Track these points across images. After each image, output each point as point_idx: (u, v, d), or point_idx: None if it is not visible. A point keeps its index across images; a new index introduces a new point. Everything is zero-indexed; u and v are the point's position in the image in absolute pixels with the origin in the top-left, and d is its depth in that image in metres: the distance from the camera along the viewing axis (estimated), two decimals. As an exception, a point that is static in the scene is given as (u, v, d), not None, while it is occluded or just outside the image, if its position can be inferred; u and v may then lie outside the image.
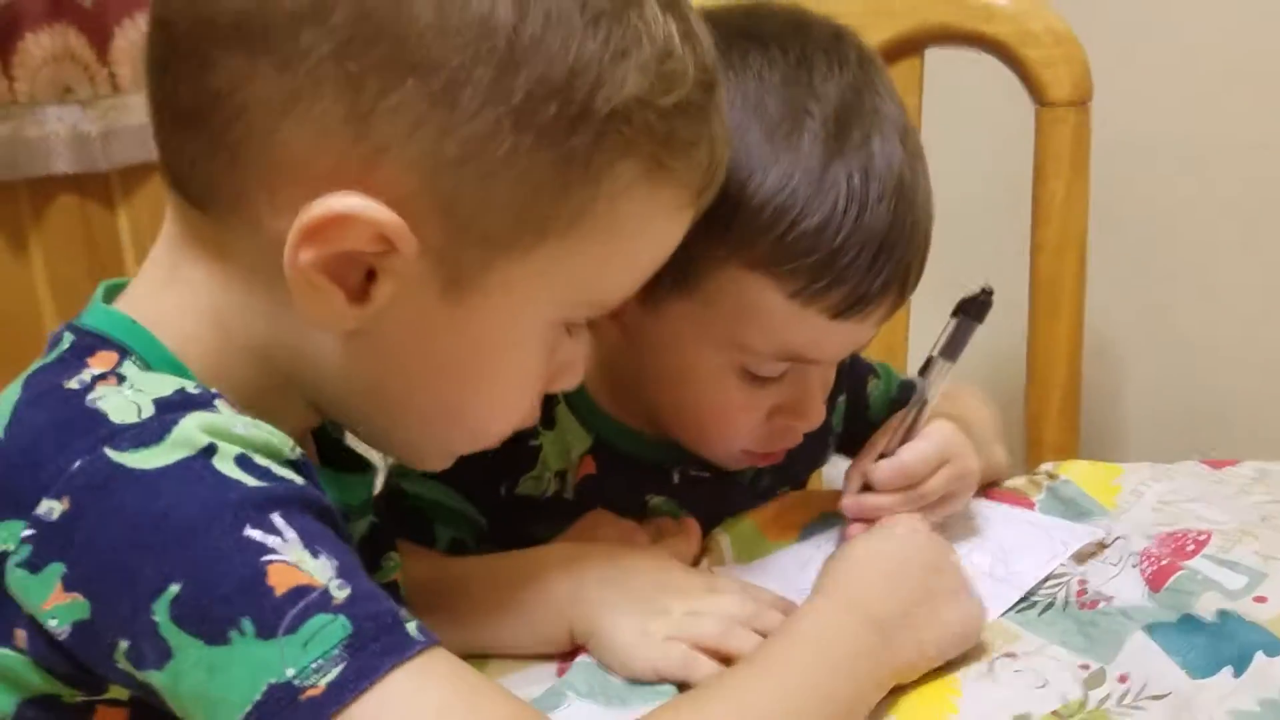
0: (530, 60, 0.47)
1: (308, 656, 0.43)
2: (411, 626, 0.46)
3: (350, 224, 0.48)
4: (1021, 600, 0.66)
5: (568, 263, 0.52)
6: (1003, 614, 0.65)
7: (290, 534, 0.45)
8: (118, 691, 0.48)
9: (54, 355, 0.52)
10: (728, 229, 0.62)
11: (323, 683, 0.43)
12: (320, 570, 0.45)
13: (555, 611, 0.63)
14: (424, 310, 0.51)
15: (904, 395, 0.85)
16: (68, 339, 0.52)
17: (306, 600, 0.44)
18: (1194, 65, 1.18)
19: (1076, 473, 0.80)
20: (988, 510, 0.76)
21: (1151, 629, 0.62)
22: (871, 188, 0.63)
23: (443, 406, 0.56)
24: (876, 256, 0.63)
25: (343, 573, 0.46)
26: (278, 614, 0.43)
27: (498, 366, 0.55)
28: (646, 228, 0.55)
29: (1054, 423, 0.99)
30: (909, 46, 0.98)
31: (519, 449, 0.74)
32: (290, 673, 0.43)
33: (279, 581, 0.44)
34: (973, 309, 0.69)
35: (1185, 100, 1.18)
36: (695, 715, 0.52)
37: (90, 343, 0.51)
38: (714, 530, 0.75)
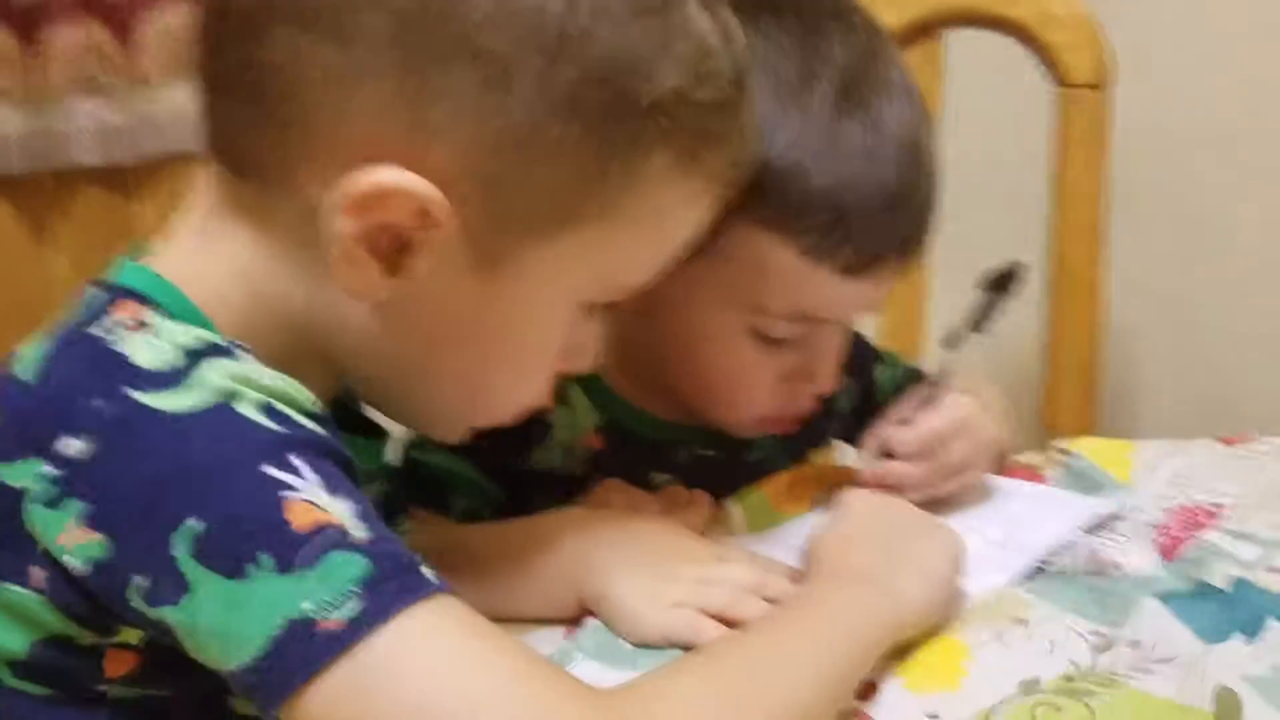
0: (579, 51, 0.49)
1: (325, 591, 0.44)
2: (428, 571, 0.46)
3: (394, 197, 0.49)
4: (1033, 569, 0.66)
5: (598, 247, 0.54)
6: (1013, 582, 0.65)
7: (310, 475, 0.46)
8: (128, 635, 0.49)
9: (80, 310, 0.53)
10: (743, 189, 0.62)
11: (339, 617, 0.43)
12: (339, 510, 0.46)
13: (564, 575, 0.64)
14: (456, 285, 0.53)
15: (910, 381, 0.86)
16: (93, 293, 0.53)
17: (325, 536, 0.44)
18: (1216, 50, 1.18)
19: (1089, 448, 0.80)
20: (1002, 484, 0.75)
21: (1164, 596, 0.62)
22: (880, 147, 0.64)
23: (464, 379, 0.57)
24: (886, 214, 0.64)
25: (361, 515, 0.46)
26: (295, 548, 0.44)
27: (521, 343, 0.56)
28: (675, 215, 0.56)
29: (1071, 406, 0.99)
30: (930, 28, 0.98)
31: (531, 424, 0.74)
32: (307, 606, 0.43)
33: (298, 517, 0.45)
34: (1000, 282, 0.69)
35: (1207, 85, 1.18)
36: (703, 670, 0.53)
37: (115, 295, 0.52)
38: (726, 501, 0.75)
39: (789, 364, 0.71)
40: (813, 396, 0.73)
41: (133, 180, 1.80)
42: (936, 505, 0.70)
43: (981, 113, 1.19)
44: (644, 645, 0.60)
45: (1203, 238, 1.22)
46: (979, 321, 0.70)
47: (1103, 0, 0.96)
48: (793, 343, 0.69)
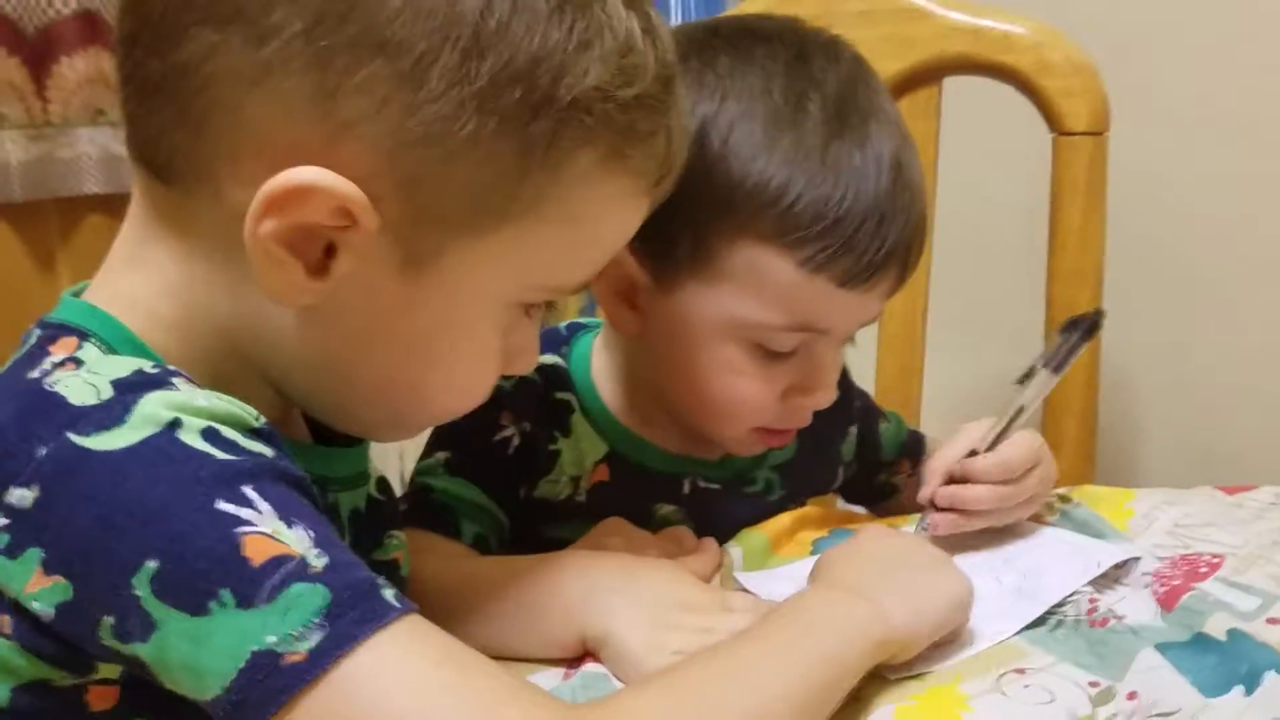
0: (496, 46, 0.49)
1: (288, 624, 0.44)
2: (389, 594, 0.47)
3: (312, 196, 0.49)
4: (1034, 618, 0.66)
5: (525, 246, 0.53)
6: (1020, 630, 0.65)
7: (264, 506, 0.46)
8: (108, 670, 0.49)
9: (22, 351, 0.53)
10: (738, 206, 0.66)
11: (303, 649, 0.44)
12: (297, 540, 0.46)
13: (567, 616, 0.64)
14: (381, 286, 0.52)
15: (912, 440, 0.88)
16: (34, 334, 0.53)
17: (284, 569, 0.45)
18: (1212, 96, 1.19)
19: (1089, 496, 0.80)
20: (1024, 528, 0.76)
21: (1162, 647, 0.62)
22: (871, 163, 0.67)
23: (397, 382, 0.57)
24: (879, 226, 0.67)
25: (319, 542, 0.46)
26: (256, 584, 0.44)
27: (453, 345, 0.56)
28: (604, 215, 0.56)
29: (1069, 453, 0.99)
30: (928, 75, 0.99)
31: (538, 453, 0.76)
32: (272, 640, 0.44)
33: (256, 552, 0.45)
34: (1084, 326, 0.72)
35: (1203, 131, 1.19)
36: (670, 680, 0.52)
37: (53, 333, 0.52)
38: (727, 543, 0.75)
39: (789, 379, 0.73)
40: (810, 410, 0.75)
41: (137, 210, 1.81)
42: (962, 544, 0.72)
43: (979, 159, 1.21)
44: None
45: (1200, 284, 1.23)
46: (1060, 363, 0.72)
47: (1101, 48, 0.97)
48: (792, 356, 0.72)
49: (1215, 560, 0.70)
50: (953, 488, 0.72)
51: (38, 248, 1.76)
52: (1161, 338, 1.26)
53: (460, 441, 0.74)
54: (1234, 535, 0.73)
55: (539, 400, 0.76)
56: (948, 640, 0.64)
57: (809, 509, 0.83)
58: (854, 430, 0.88)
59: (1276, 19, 1.13)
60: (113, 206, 1.76)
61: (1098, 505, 0.79)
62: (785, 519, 0.79)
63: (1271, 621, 0.64)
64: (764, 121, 0.67)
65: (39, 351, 0.51)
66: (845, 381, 0.89)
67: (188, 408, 0.48)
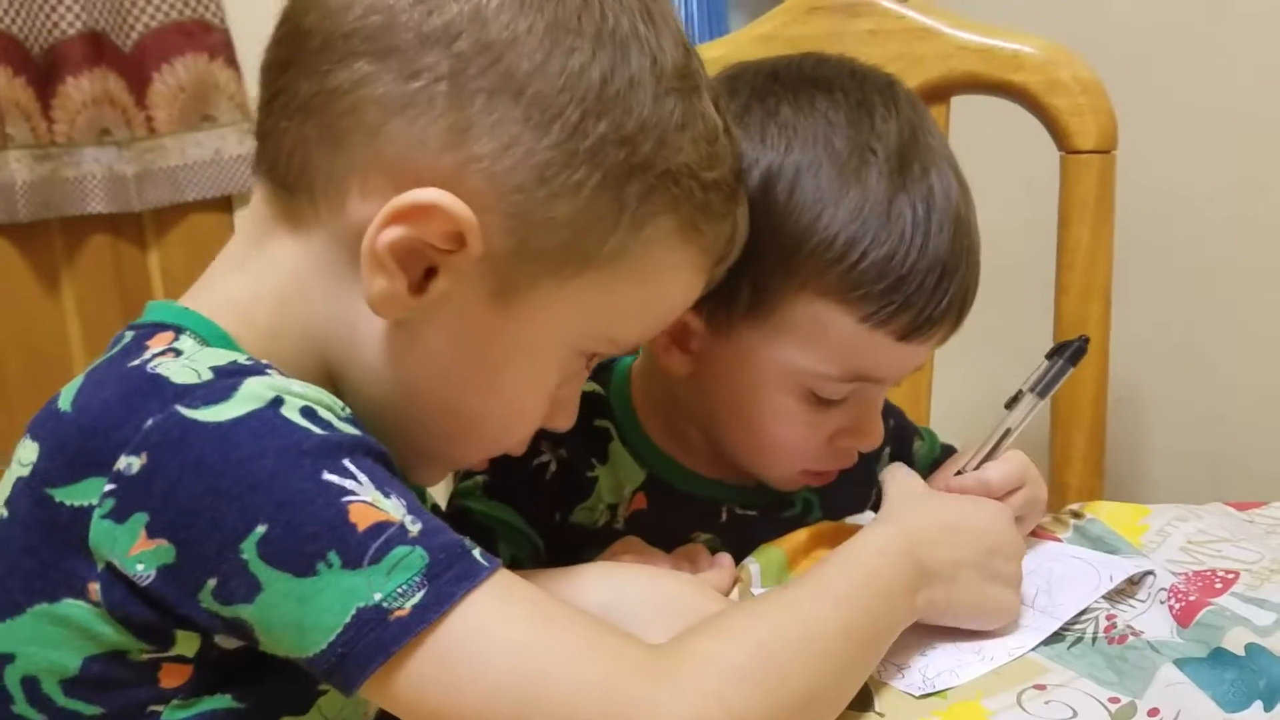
0: (612, 111, 0.55)
1: (392, 583, 0.47)
2: (478, 553, 0.51)
3: (433, 215, 0.54)
4: (1052, 633, 0.67)
5: (601, 294, 0.58)
6: (1036, 646, 0.65)
7: (363, 477, 0.50)
8: (184, 645, 0.51)
9: (116, 349, 0.56)
10: (802, 260, 0.67)
11: (408, 605, 0.47)
12: (394, 508, 0.50)
13: None
14: (469, 312, 0.57)
15: (946, 458, 0.88)
16: (126, 335, 0.57)
17: (387, 534, 0.48)
18: (1220, 112, 1.19)
19: (1103, 512, 0.80)
20: (1037, 544, 0.76)
21: (1181, 663, 0.62)
22: (933, 218, 0.67)
23: (459, 410, 0.61)
24: (940, 281, 0.67)
25: (412, 509, 0.50)
26: (361, 547, 0.48)
27: (517, 376, 0.60)
28: (671, 279, 0.61)
29: (1079, 467, 0.99)
30: (936, 94, 0.99)
31: (576, 479, 0.77)
32: (378, 597, 0.47)
33: (360, 519, 0.48)
34: (1068, 353, 0.73)
35: (1212, 147, 1.20)
36: (751, 617, 0.56)
37: (149, 330, 0.56)
38: (745, 559, 0.75)
39: (839, 423, 0.73)
40: (856, 452, 0.76)
41: (141, 229, 1.81)
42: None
43: (988, 177, 1.21)
44: None
45: (1209, 299, 1.23)
46: (1045, 387, 0.73)
47: (1110, 66, 0.98)
48: (842, 403, 0.72)
49: (1230, 575, 0.70)
50: None
51: (42, 267, 1.76)
52: (1170, 352, 1.27)
53: (499, 465, 0.74)
54: (1248, 550, 0.74)
55: (577, 427, 0.76)
56: (968, 655, 0.64)
57: (824, 525, 0.83)
58: (888, 450, 0.88)
59: None
60: (117, 226, 1.77)
61: (1112, 521, 0.79)
62: (802, 535, 0.79)
63: (1289, 636, 0.64)
64: (829, 175, 0.67)
65: (135, 346, 0.55)
66: (887, 404, 0.90)
67: (287, 389, 0.51)
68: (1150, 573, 0.71)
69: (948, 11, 0.99)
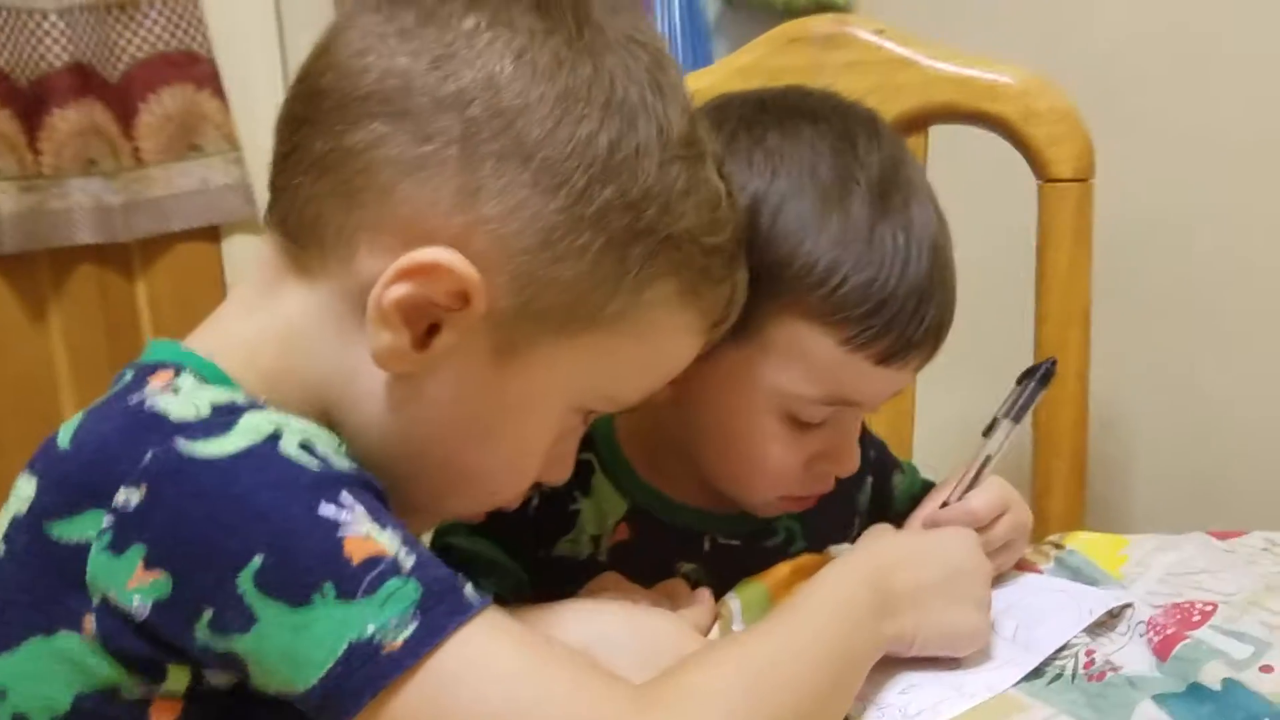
0: (617, 177, 0.56)
1: (385, 615, 0.48)
2: (469, 589, 0.51)
3: (440, 274, 0.55)
4: (1032, 669, 0.67)
5: (601, 354, 0.60)
6: (1017, 682, 0.65)
7: (359, 509, 0.51)
8: (175, 681, 0.52)
9: (119, 386, 0.57)
10: (786, 283, 0.68)
11: (400, 639, 0.48)
12: (389, 541, 0.50)
13: None
14: (471, 368, 0.58)
15: (925, 492, 0.89)
16: (128, 373, 0.58)
17: (381, 567, 0.49)
18: (1197, 139, 1.20)
19: (1083, 543, 0.80)
20: (1017, 576, 0.77)
21: (1160, 699, 0.62)
22: (913, 246, 0.69)
23: (458, 464, 0.61)
24: (919, 306, 0.69)
25: (406, 542, 0.51)
26: (356, 580, 0.49)
27: (515, 432, 0.61)
28: (670, 340, 0.63)
29: (1060, 493, 0.99)
30: (915, 123, 1.00)
31: (559, 512, 0.77)
32: (371, 629, 0.48)
33: (355, 552, 0.49)
34: (1037, 376, 0.75)
35: (1190, 173, 1.20)
36: (736, 652, 0.57)
37: (150, 368, 0.57)
38: (726, 595, 0.75)
39: (817, 447, 0.74)
40: (833, 477, 0.77)
41: (128, 259, 1.81)
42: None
43: (967, 205, 1.22)
44: None
45: (1190, 324, 1.24)
46: (1019, 412, 0.74)
47: (1086, 95, 0.98)
48: (820, 427, 0.73)
49: (1208, 608, 0.70)
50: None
51: (30, 298, 1.76)
52: (1152, 378, 1.27)
53: None
54: (1227, 582, 0.74)
55: None
56: (949, 691, 0.64)
57: (805, 558, 0.83)
58: (869, 481, 0.90)
59: (1258, 61, 1.14)
60: (104, 257, 1.77)
61: (1091, 552, 0.79)
62: (784, 569, 0.79)
63: (1265, 670, 0.64)
64: (813, 201, 0.68)
65: (136, 384, 0.56)
66: (861, 431, 0.90)
67: (285, 424, 0.53)
68: (1129, 605, 0.71)
69: (926, 42, 1.00)
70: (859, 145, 0.71)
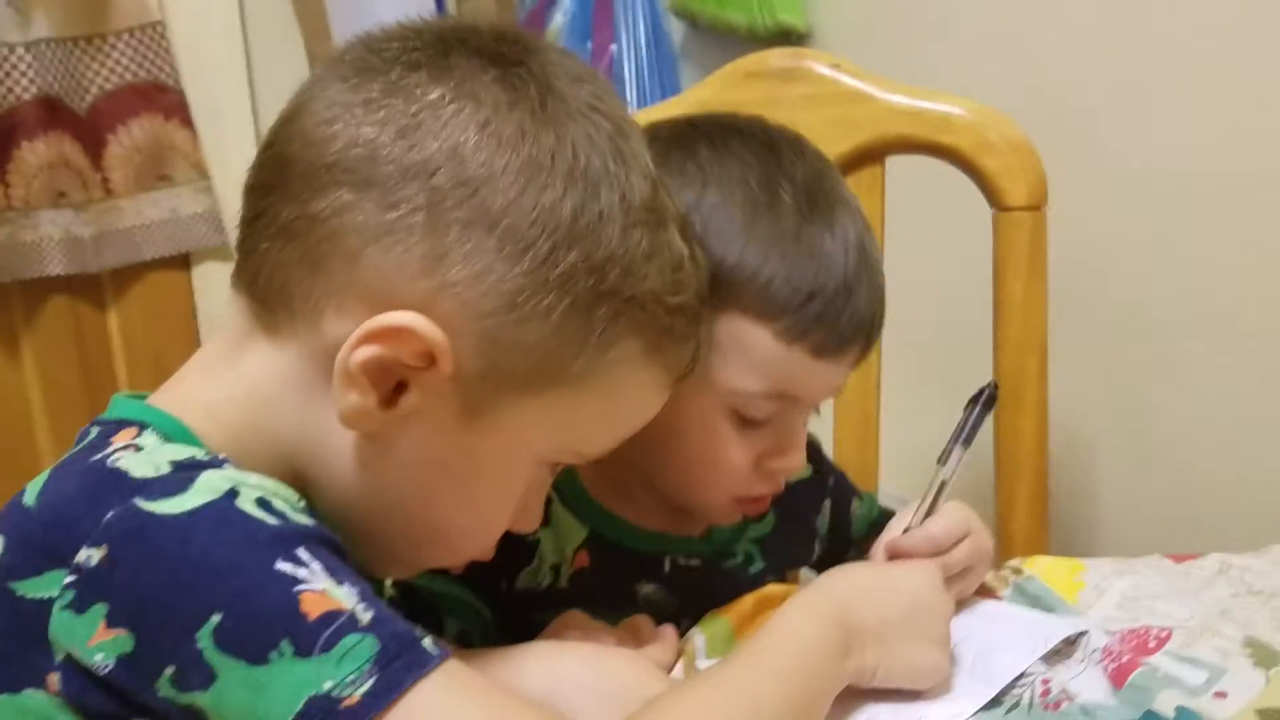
0: (582, 242, 0.58)
1: (342, 671, 0.49)
2: (427, 642, 0.52)
3: (407, 337, 0.56)
4: (990, 700, 0.68)
5: (567, 411, 0.61)
6: (975, 712, 0.66)
7: (316, 565, 0.51)
8: None
9: (83, 444, 0.58)
10: (721, 283, 0.70)
11: (357, 694, 0.48)
12: (346, 596, 0.51)
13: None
14: (439, 427, 0.59)
15: (884, 519, 0.91)
16: (93, 430, 0.59)
17: (338, 623, 0.50)
18: (1149, 166, 1.22)
19: (1042, 569, 0.81)
20: (977, 604, 0.78)
21: (1114, 728, 0.64)
22: (839, 245, 0.73)
23: (429, 519, 0.62)
24: (848, 300, 0.72)
25: (364, 597, 0.51)
26: (313, 636, 0.49)
27: (486, 490, 0.62)
28: (634, 397, 0.64)
29: (1023, 517, 1.01)
30: (871, 155, 1.01)
31: (519, 544, 0.77)
32: (328, 685, 0.48)
33: (312, 608, 0.50)
34: (981, 400, 0.78)
35: (1146, 198, 1.22)
36: (696, 702, 0.58)
37: (113, 427, 0.58)
38: (690, 630, 0.76)
39: (763, 445, 0.76)
40: (782, 475, 0.78)
41: (100, 290, 1.81)
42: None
43: (924, 234, 1.23)
44: None
45: (1147, 351, 1.25)
46: (968, 436, 0.77)
47: (1038, 125, 1.00)
48: (766, 424, 0.75)
49: (1164, 634, 0.71)
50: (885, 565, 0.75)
51: (2, 330, 1.76)
52: (1112, 401, 1.28)
53: None
54: (1182, 607, 0.75)
55: None
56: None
57: (770, 589, 0.83)
58: (828, 504, 0.91)
59: (1214, 87, 1.16)
60: (75, 288, 1.77)
61: (1049, 577, 0.80)
62: (747, 602, 0.80)
63: (1219, 696, 0.66)
64: (742, 207, 0.72)
65: (100, 442, 0.57)
66: (820, 457, 0.93)
67: (244, 481, 0.53)
68: (1085, 633, 0.73)
69: (880, 76, 1.01)
70: (784, 157, 0.74)
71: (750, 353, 0.72)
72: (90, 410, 2.01)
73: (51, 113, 1.69)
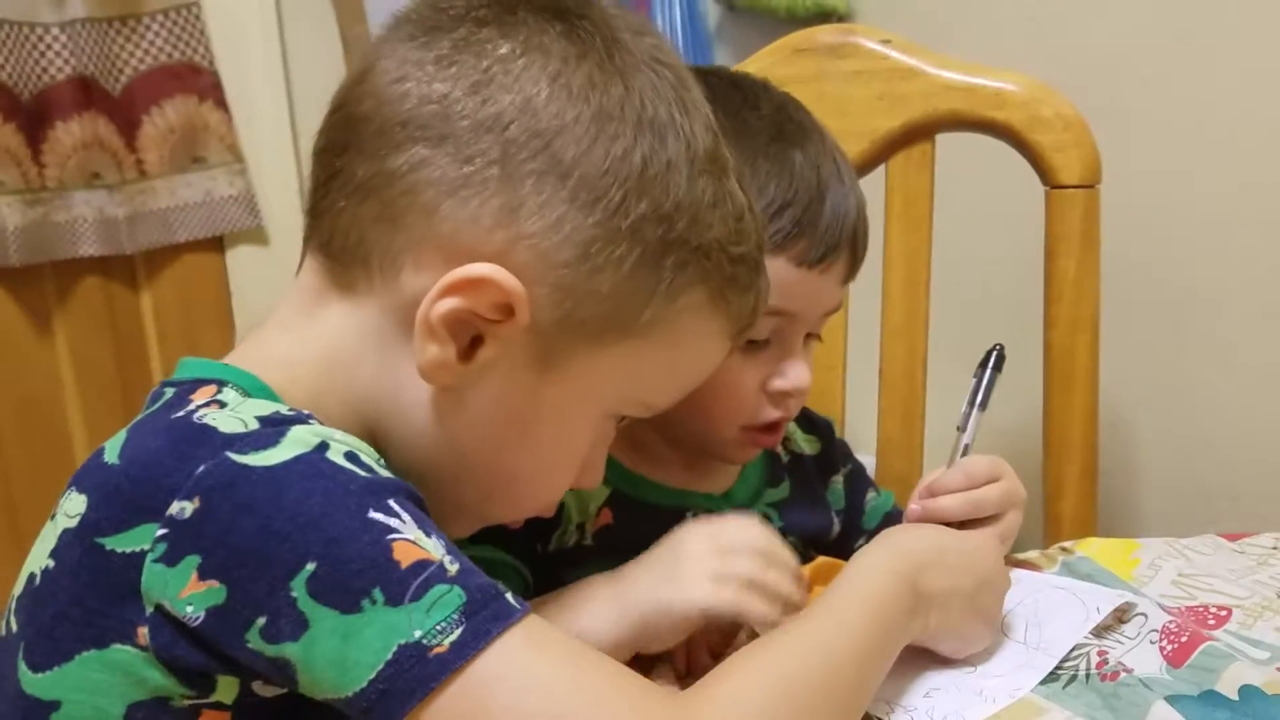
0: (650, 191, 0.59)
1: (431, 620, 0.49)
2: (510, 596, 0.52)
3: (486, 288, 0.57)
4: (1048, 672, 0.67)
5: (635, 360, 0.62)
6: (1038, 684, 0.65)
7: (406, 517, 0.52)
8: (224, 692, 0.53)
9: (159, 404, 0.58)
10: None
11: (446, 642, 0.49)
12: (435, 548, 0.52)
13: (616, 594, 0.66)
14: (513, 378, 0.60)
15: (898, 512, 0.92)
16: (166, 391, 0.59)
17: (427, 572, 0.50)
18: (1201, 143, 1.20)
19: (1093, 549, 0.81)
20: (1018, 575, 0.76)
21: (1174, 700, 0.63)
22: (810, 161, 0.76)
23: (500, 469, 0.63)
24: (831, 213, 0.75)
25: (450, 550, 0.52)
26: (404, 584, 0.50)
27: (555, 437, 0.63)
28: (699, 347, 0.65)
29: (1072, 496, 1.00)
30: (921, 132, 1.00)
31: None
32: (418, 634, 0.49)
33: (403, 556, 0.50)
34: (989, 364, 0.79)
35: (1195, 177, 1.21)
36: (772, 654, 0.58)
37: (190, 385, 0.58)
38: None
39: (766, 367, 0.78)
40: (789, 399, 0.80)
41: (133, 271, 1.82)
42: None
43: (975, 213, 1.23)
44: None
45: (1196, 329, 1.24)
46: (983, 400, 0.78)
47: (1092, 101, 0.99)
48: (766, 346, 0.77)
49: (1223, 613, 0.71)
50: (924, 501, 0.77)
51: (34, 311, 1.76)
52: (1159, 381, 1.27)
53: None
54: (1239, 586, 0.75)
55: None
56: (970, 696, 0.65)
57: (822, 562, 0.83)
58: (839, 480, 0.92)
59: (1263, 63, 1.15)
60: (108, 269, 1.78)
61: (1103, 557, 0.80)
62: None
63: (1280, 673, 0.65)
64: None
65: (179, 400, 0.57)
66: (831, 438, 0.94)
67: (330, 435, 0.54)
68: (1134, 604, 0.72)
69: (931, 51, 1.00)
70: (747, 92, 0.78)
71: None
72: (123, 392, 2.02)
73: (86, 93, 1.70)
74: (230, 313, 1.85)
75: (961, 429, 0.78)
